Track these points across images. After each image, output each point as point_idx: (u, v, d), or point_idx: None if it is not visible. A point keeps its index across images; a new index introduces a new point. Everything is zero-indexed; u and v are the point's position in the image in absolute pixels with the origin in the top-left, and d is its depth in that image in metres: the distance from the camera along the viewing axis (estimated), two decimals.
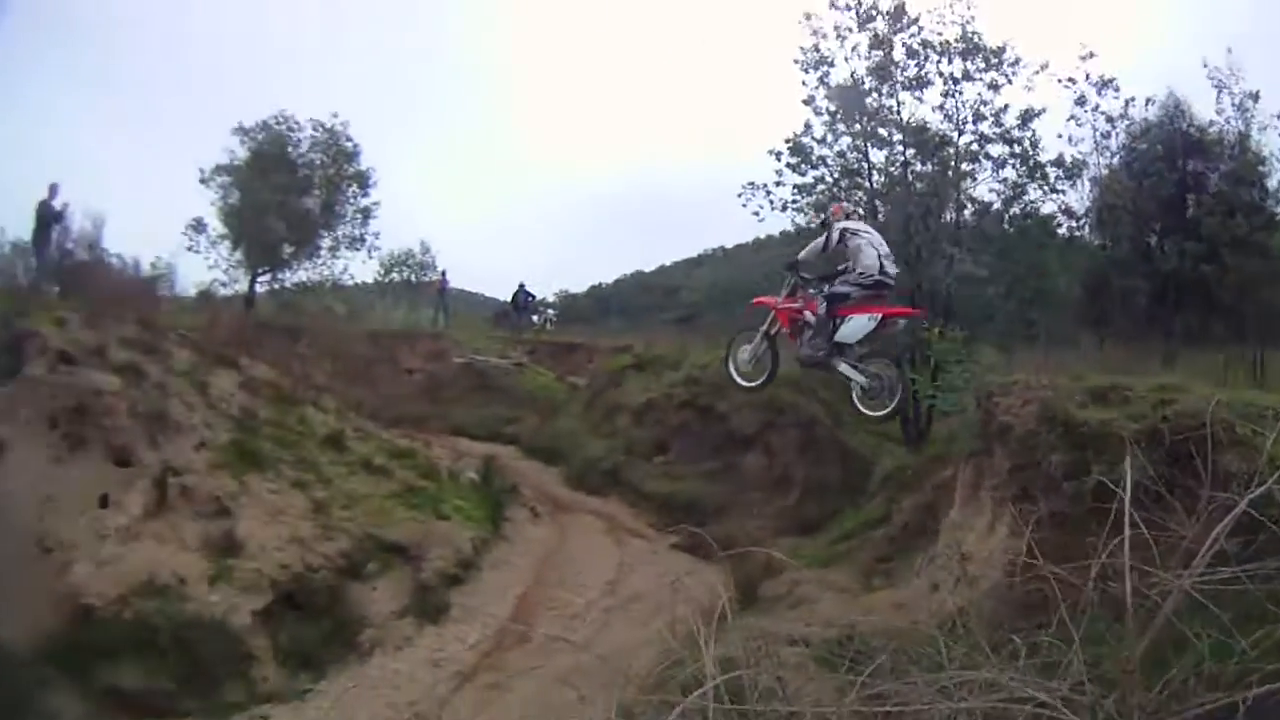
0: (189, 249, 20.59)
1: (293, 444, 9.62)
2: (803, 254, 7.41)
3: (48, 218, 12.53)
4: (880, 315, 6.95)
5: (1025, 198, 12.89)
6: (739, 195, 13.44)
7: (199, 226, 20.80)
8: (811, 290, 7.33)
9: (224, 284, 20.92)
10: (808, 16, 12.99)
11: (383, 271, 26.17)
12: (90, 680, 6.21)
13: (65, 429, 7.60)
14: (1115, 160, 14.66)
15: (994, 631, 3.65)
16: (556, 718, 5.40)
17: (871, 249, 6.99)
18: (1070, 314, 13.77)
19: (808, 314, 7.25)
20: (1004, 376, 7.52)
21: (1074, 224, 13.70)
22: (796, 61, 13.11)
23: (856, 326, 6.94)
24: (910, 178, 12.76)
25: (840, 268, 7.20)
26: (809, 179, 13.17)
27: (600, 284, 60.95)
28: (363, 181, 22.05)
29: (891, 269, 7.11)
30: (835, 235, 7.09)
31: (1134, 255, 14.22)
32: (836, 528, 10.61)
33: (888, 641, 3.67)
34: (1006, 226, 12.90)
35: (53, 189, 12.66)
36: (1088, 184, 14.12)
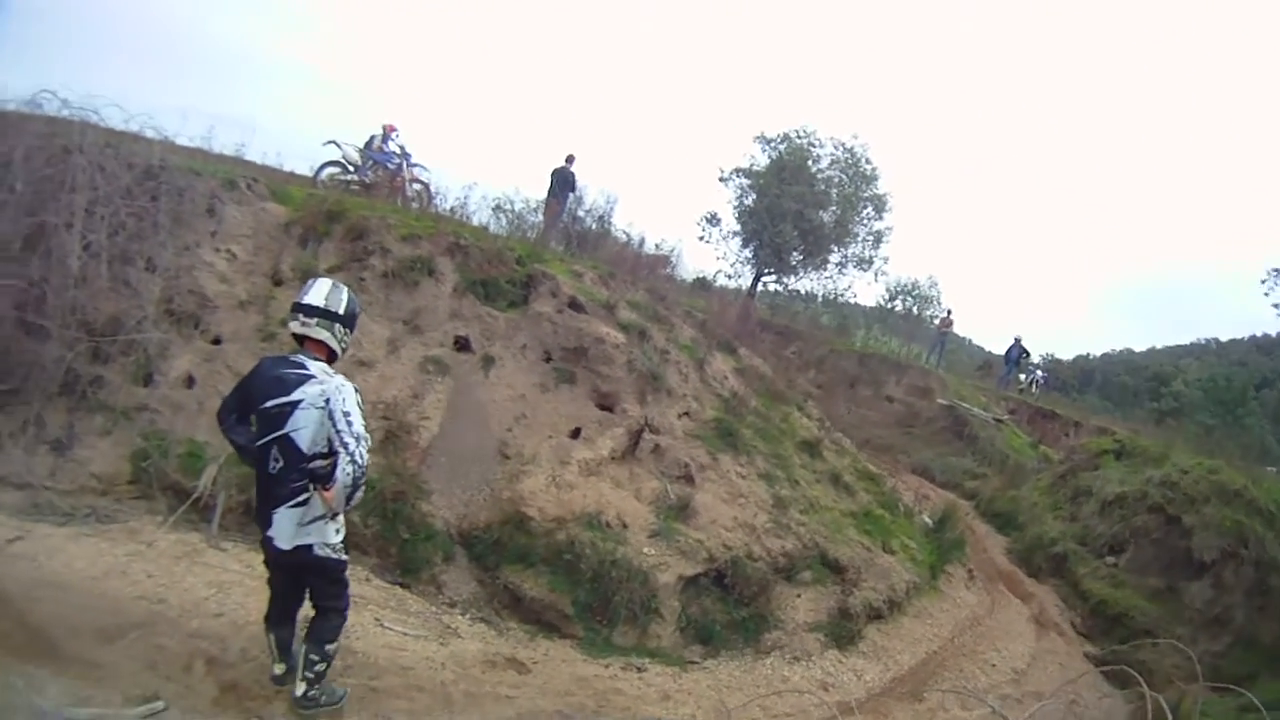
0: (700, 239, 22.83)
1: (772, 438, 9.81)
2: None
3: (562, 182, 14.32)
4: None
5: None
6: (1262, 282, 12.24)
7: (713, 219, 22.70)
8: None
9: (729, 276, 22.46)
10: None
11: (887, 296, 25.78)
12: (495, 573, 6.83)
13: (558, 363, 8.59)
14: None
15: None
16: None
17: None
18: None
19: None
20: None
21: None
22: None
23: None
24: None
25: None
26: None
27: (1088, 355, 56.34)
28: (879, 205, 22.00)
29: None
30: None
31: None
32: (1255, 692, 8.26)
33: None
34: None
35: (569, 158, 14.48)
36: None
